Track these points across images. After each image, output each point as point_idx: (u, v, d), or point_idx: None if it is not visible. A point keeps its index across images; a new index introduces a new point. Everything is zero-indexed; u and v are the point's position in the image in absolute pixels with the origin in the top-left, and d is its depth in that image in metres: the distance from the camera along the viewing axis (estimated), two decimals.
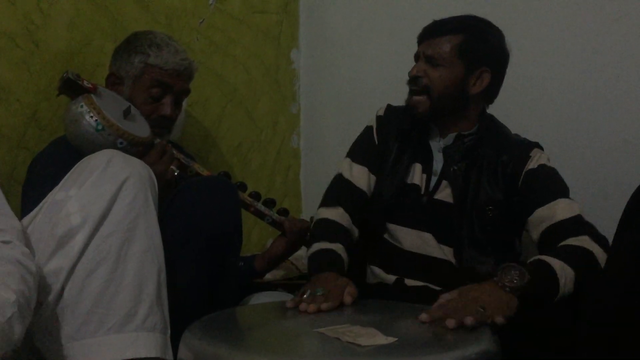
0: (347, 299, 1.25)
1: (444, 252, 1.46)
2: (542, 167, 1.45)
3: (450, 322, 1.08)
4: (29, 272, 1.02)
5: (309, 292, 1.25)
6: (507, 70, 1.53)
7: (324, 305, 1.21)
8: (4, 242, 1.04)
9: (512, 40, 1.52)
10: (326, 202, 1.58)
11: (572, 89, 1.78)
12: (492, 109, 1.58)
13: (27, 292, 1.00)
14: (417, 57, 1.52)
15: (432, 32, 1.50)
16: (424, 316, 1.13)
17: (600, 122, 1.74)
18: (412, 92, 1.50)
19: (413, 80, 1.50)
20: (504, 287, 1.18)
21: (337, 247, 1.45)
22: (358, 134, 1.65)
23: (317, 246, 1.47)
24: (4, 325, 0.93)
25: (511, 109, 1.64)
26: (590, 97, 1.76)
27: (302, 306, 1.21)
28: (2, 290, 0.95)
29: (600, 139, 1.74)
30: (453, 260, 1.45)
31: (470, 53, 1.46)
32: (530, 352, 1.12)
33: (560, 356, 1.08)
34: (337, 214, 1.53)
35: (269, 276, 1.79)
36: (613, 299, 0.92)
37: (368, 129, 1.62)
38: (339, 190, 1.58)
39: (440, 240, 1.46)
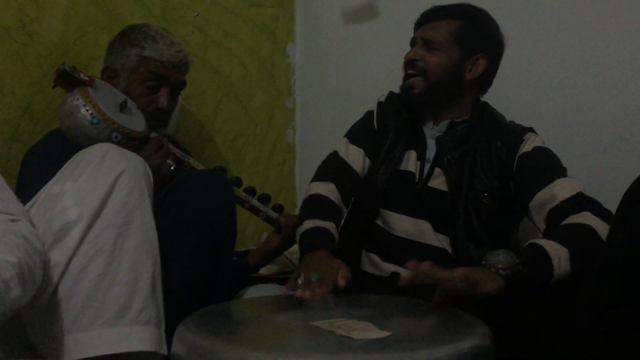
0: (341, 282, 1.24)
1: (440, 241, 1.45)
2: (537, 149, 1.44)
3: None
4: (35, 249, 1.02)
5: (302, 276, 1.23)
6: (503, 64, 1.53)
7: (318, 291, 1.19)
8: (13, 220, 1.04)
9: (509, 34, 1.52)
10: (318, 176, 1.58)
11: (567, 85, 1.78)
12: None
13: (32, 264, 1.00)
14: (413, 42, 1.53)
15: (430, 16, 1.51)
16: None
17: (596, 119, 1.74)
18: (408, 76, 1.50)
19: (409, 63, 1.50)
20: (490, 269, 1.17)
21: (329, 226, 1.44)
22: None
23: (309, 224, 1.45)
24: (1, 285, 0.92)
25: (506, 104, 1.64)
26: (585, 94, 1.75)
27: (298, 293, 1.20)
28: (6, 254, 0.96)
29: (596, 136, 1.74)
30: (449, 249, 1.44)
31: (467, 38, 1.47)
32: (525, 347, 1.12)
33: (557, 352, 1.08)
34: (328, 190, 1.53)
35: (263, 271, 1.79)
36: (608, 296, 0.93)
37: (369, 113, 1.63)
38: (332, 167, 1.58)
39: (437, 229, 1.46)
